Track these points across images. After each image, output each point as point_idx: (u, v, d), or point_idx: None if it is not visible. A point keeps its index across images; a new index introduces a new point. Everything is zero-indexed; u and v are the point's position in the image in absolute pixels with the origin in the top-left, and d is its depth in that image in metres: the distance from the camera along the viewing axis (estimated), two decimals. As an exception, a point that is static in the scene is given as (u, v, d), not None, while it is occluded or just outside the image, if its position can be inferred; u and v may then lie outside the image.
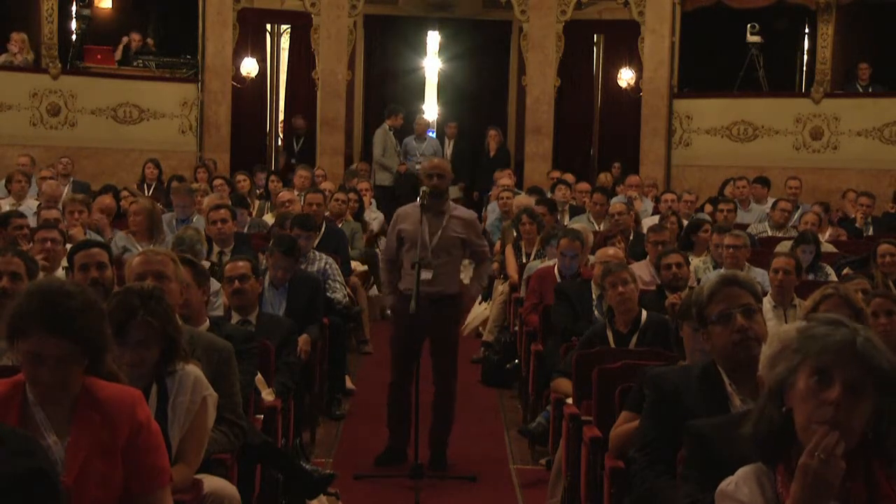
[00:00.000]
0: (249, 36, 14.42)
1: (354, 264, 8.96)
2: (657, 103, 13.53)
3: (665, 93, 13.51)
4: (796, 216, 10.23)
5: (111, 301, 3.32)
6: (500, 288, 8.73)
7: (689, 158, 13.61)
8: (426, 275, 5.81)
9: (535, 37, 13.56)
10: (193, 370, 3.41)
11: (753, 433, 2.18)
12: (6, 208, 8.75)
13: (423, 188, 6.01)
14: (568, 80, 14.21)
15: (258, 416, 4.53)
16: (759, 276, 6.73)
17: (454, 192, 9.45)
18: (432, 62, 15.90)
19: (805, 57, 14.62)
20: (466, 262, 6.71)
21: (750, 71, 13.56)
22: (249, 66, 14.30)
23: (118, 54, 13.65)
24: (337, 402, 7.11)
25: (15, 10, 13.51)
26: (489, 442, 6.59)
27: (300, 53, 14.90)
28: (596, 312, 6.26)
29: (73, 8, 13.60)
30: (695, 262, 7.37)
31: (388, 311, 7.20)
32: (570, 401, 4.96)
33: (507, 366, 7.83)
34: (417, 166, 12.77)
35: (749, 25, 13.40)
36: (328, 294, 7.23)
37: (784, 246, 7.86)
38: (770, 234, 9.78)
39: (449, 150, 13.93)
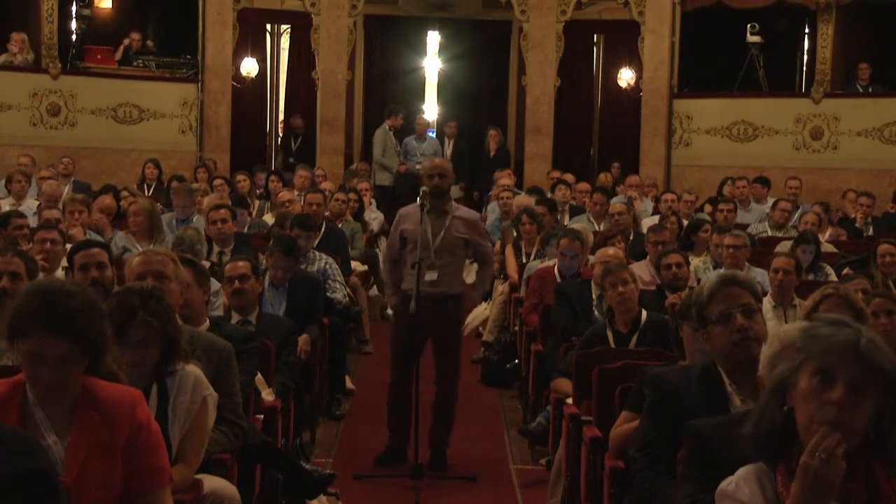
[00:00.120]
0: (249, 36, 14.41)
1: (354, 264, 8.95)
2: (657, 103, 13.53)
3: (665, 93, 13.50)
4: (796, 216, 10.23)
5: (111, 301, 3.32)
6: (500, 288, 8.72)
7: (689, 158, 13.60)
8: (431, 275, 5.80)
9: (535, 37, 13.55)
10: (194, 370, 3.41)
11: (754, 432, 2.18)
12: (6, 208, 8.74)
13: (424, 188, 6.00)
14: (568, 80, 14.20)
15: (258, 416, 4.53)
16: (759, 276, 6.73)
17: (454, 192, 9.43)
18: (432, 62, 15.89)
19: (805, 57, 14.62)
20: (469, 262, 6.71)
21: (750, 71, 13.55)
22: (249, 66, 14.29)
23: (118, 54, 13.64)
24: (337, 402, 7.11)
25: (15, 10, 13.50)
26: (489, 442, 6.59)
27: (300, 53, 14.90)
28: (596, 312, 6.25)
29: (73, 8, 13.59)
30: (695, 262, 7.37)
31: (390, 311, 7.19)
32: (570, 401, 4.96)
33: (507, 366, 7.84)
34: (417, 166, 12.78)
35: (749, 25, 13.40)
36: (328, 294, 7.22)
37: (784, 246, 7.85)
38: (770, 234, 9.77)
39: (449, 150, 13.91)
